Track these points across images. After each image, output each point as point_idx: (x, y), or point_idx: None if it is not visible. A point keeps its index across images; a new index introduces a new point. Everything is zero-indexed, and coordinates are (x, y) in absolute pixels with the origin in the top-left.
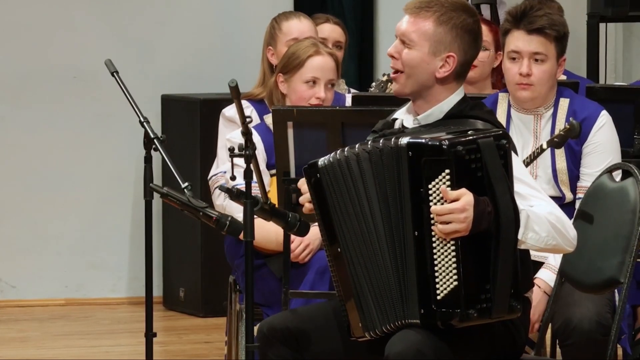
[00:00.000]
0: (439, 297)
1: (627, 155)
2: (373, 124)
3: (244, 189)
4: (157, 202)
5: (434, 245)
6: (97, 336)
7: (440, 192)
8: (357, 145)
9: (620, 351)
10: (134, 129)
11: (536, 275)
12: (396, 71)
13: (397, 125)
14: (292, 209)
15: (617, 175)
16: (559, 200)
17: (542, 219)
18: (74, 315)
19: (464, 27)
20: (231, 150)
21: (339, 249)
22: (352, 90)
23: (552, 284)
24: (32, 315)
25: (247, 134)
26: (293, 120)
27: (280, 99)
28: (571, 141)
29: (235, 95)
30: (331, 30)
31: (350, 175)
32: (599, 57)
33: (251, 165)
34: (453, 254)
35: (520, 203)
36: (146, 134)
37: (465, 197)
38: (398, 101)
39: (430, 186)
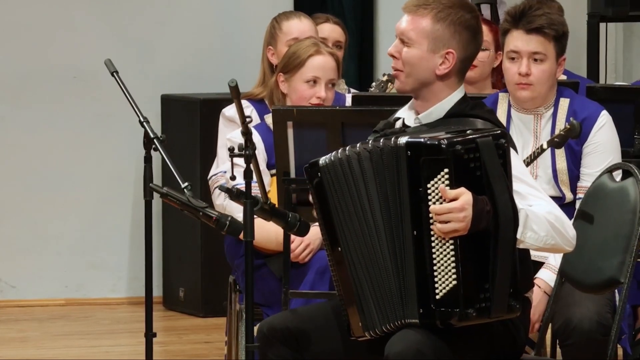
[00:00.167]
0: (437, 297)
1: (628, 155)
2: (373, 124)
3: (243, 189)
4: (157, 202)
5: (433, 244)
6: (97, 336)
7: (439, 192)
8: (358, 145)
9: (620, 351)
10: (134, 129)
11: (536, 275)
12: (397, 70)
13: (398, 124)
14: (292, 209)
15: (618, 175)
16: (559, 200)
17: (541, 219)
18: (74, 315)
19: (463, 24)
20: (231, 150)
21: (339, 249)
22: (352, 90)
23: (552, 284)
24: (32, 315)
25: (247, 133)
26: (293, 120)
27: (280, 98)
28: (571, 141)
29: (235, 95)
30: (331, 30)
31: (352, 175)
32: (599, 57)
33: (251, 165)
34: (452, 253)
35: (519, 202)
36: (146, 133)
37: (464, 197)
38: (398, 101)
39: (429, 185)
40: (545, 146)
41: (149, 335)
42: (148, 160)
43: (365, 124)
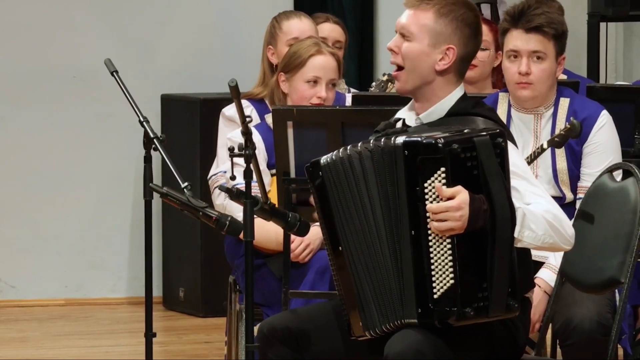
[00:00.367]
0: (435, 296)
1: (628, 155)
2: (373, 123)
3: (243, 189)
4: (156, 202)
5: (430, 244)
6: (96, 336)
7: (436, 190)
8: (359, 144)
9: (620, 351)
10: (134, 129)
11: (537, 275)
12: (397, 69)
13: (399, 124)
14: (292, 209)
15: (618, 175)
16: (559, 200)
17: (538, 217)
18: (74, 315)
19: (464, 20)
20: (231, 149)
21: (340, 248)
22: (352, 90)
23: (552, 283)
24: (31, 316)
25: (247, 133)
26: (293, 120)
27: (281, 98)
28: (571, 141)
29: (235, 94)
30: (331, 30)
31: (353, 174)
32: (600, 56)
33: (251, 165)
34: (449, 252)
35: (517, 200)
36: (146, 133)
37: (461, 195)
38: (398, 101)
39: (426, 184)
40: (545, 146)
41: (149, 335)
42: (148, 160)
43: (365, 123)
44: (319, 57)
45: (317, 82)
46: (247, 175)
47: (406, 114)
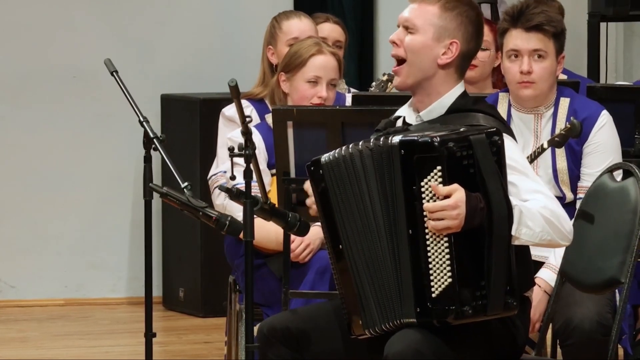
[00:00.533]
0: (433, 295)
1: (628, 155)
2: (373, 123)
3: (243, 189)
4: (156, 202)
5: (428, 242)
6: (96, 336)
7: (432, 190)
8: (360, 142)
9: (621, 351)
10: (134, 129)
11: (537, 275)
12: (398, 62)
13: (399, 123)
14: (292, 209)
15: (618, 175)
16: (559, 200)
17: (535, 214)
18: (74, 315)
19: (469, 17)
20: (231, 149)
21: (341, 246)
22: (352, 90)
23: (552, 283)
24: (31, 316)
25: (246, 133)
26: (293, 120)
27: (282, 98)
28: (572, 141)
29: (235, 94)
30: (331, 30)
31: (354, 172)
32: (600, 56)
33: (251, 165)
34: (446, 250)
35: (514, 195)
36: (146, 133)
37: (457, 194)
38: (398, 101)
39: (422, 183)
40: (545, 146)
41: (149, 335)
42: (148, 160)
43: (365, 123)
44: (320, 56)
45: (317, 82)
46: (247, 175)
47: (406, 112)
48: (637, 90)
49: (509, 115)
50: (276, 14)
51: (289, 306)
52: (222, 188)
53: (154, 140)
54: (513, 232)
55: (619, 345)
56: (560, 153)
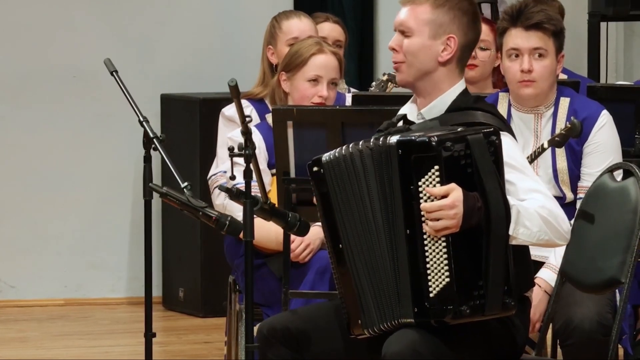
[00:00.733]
0: (431, 295)
1: (628, 155)
2: (373, 123)
3: (243, 189)
4: (156, 201)
5: (425, 242)
6: (96, 336)
7: (427, 193)
8: (361, 142)
9: (621, 351)
10: (134, 129)
11: (537, 275)
12: (398, 62)
13: (401, 122)
14: (292, 209)
15: (618, 175)
16: (559, 200)
17: (533, 214)
18: (73, 315)
19: (461, 9)
20: (231, 149)
21: (340, 245)
22: (352, 90)
23: (552, 283)
24: (31, 316)
25: (246, 133)
26: (293, 120)
27: (282, 97)
28: (572, 141)
29: (234, 94)
30: (331, 29)
31: (354, 171)
32: (600, 56)
33: (251, 165)
34: (444, 250)
35: (512, 194)
36: (145, 133)
37: (455, 193)
38: (398, 101)
39: (420, 183)
40: (546, 145)
41: (149, 335)
42: (148, 160)
43: (365, 123)
44: (321, 56)
45: (318, 81)
46: (247, 175)
47: (408, 109)
48: (638, 90)
49: (509, 115)
50: (276, 13)
51: (289, 306)
52: (222, 188)
53: (154, 140)
54: (510, 232)
55: (619, 345)
56: (561, 153)
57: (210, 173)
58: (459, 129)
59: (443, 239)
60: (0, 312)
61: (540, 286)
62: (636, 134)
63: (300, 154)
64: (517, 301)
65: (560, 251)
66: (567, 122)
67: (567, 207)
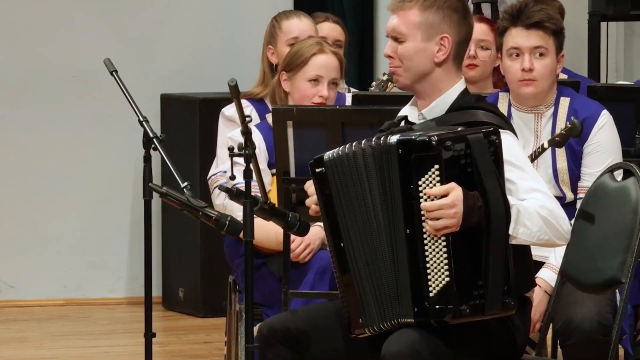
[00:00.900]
0: (431, 294)
1: (628, 155)
2: (373, 123)
3: (243, 189)
4: (156, 201)
5: (425, 242)
6: (96, 336)
7: (431, 188)
8: (363, 141)
9: (621, 351)
10: (134, 129)
11: (537, 275)
12: (395, 67)
13: (402, 122)
14: (292, 209)
15: (619, 174)
16: (560, 200)
17: (533, 214)
18: (73, 315)
19: (450, 7)
20: (231, 149)
21: (342, 244)
22: (352, 90)
23: (553, 283)
24: (31, 316)
25: (246, 133)
26: (293, 120)
27: (282, 97)
28: (572, 141)
29: (234, 94)
30: (330, 29)
31: (357, 170)
32: (600, 56)
33: (251, 165)
34: (444, 249)
35: (512, 192)
36: (145, 133)
37: (454, 193)
38: (398, 100)
39: (420, 182)
40: (546, 145)
41: (148, 335)
42: (147, 159)
43: (365, 123)
44: (321, 56)
45: (319, 81)
46: (247, 175)
47: (409, 111)
48: (638, 90)
49: (509, 114)
50: (276, 13)
51: (289, 306)
52: (222, 188)
53: (154, 140)
54: (510, 232)
55: (620, 346)
56: (561, 153)
57: (210, 173)
58: (459, 129)
59: (443, 238)
60: (0, 312)
61: (540, 286)
62: (636, 134)
63: (300, 154)
64: (518, 301)
65: (560, 251)
66: (567, 122)
67: (567, 207)
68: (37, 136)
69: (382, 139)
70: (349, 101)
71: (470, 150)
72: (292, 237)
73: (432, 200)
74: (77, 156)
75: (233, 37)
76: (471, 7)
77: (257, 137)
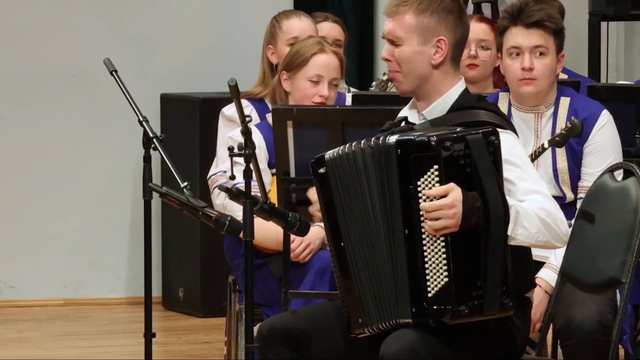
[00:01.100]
0: (430, 295)
1: (629, 155)
2: (373, 123)
3: (243, 189)
4: (156, 201)
5: (424, 242)
6: (96, 336)
7: (430, 188)
8: (363, 141)
9: (621, 351)
10: (134, 129)
11: (537, 275)
12: (394, 71)
13: (403, 123)
14: (292, 209)
15: (619, 174)
16: (560, 200)
17: (531, 215)
18: (73, 315)
19: (445, 9)
20: (231, 149)
21: (342, 243)
22: (352, 90)
23: (553, 283)
24: (30, 316)
25: (246, 133)
26: (293, 120)
27: (283, 97)
28: (572, 141)
29: (234, 94)
30: (330, 29)
31: (357, 170)
32: (601, 56)
33: (251, 165)
34: (443, 250)
35: (511, 192)
36: (145, 133)
37: (454, 193)
38: (398, 100)
39: (419, 183)
40: (546, 145)
41: (148, 335)
42: (147, 159)
43: (365, 123)
44: (322, 55)
45: (319, 81)
46: (247, 174)
47: (408, 112)
48: (638, 90)
49: (509, 114)
50: (276, 13)
51: (288, 306)
52: (222, 188)
53: (154, 139)
54: (509, 232)
55: (620, 346)
56: (561, 153)
57: (210, 173)
58: (458, 129)
59: (442, 238)
60: (0, 312)
61: (540, 286)
62: (636, 133)
63: (300, 154)
64: (518, 301)
65: (560, 251)
66: (568, 122)
67: (568, 207)
68: (37, 136)
69: (381, 139)
70: (349, 101)
71: (469, 150)
72: (292, 237)
73: (432, 200)
74: (77, 156)
75: (233, 37)
76: (471, 7)
77: (257, 137)
